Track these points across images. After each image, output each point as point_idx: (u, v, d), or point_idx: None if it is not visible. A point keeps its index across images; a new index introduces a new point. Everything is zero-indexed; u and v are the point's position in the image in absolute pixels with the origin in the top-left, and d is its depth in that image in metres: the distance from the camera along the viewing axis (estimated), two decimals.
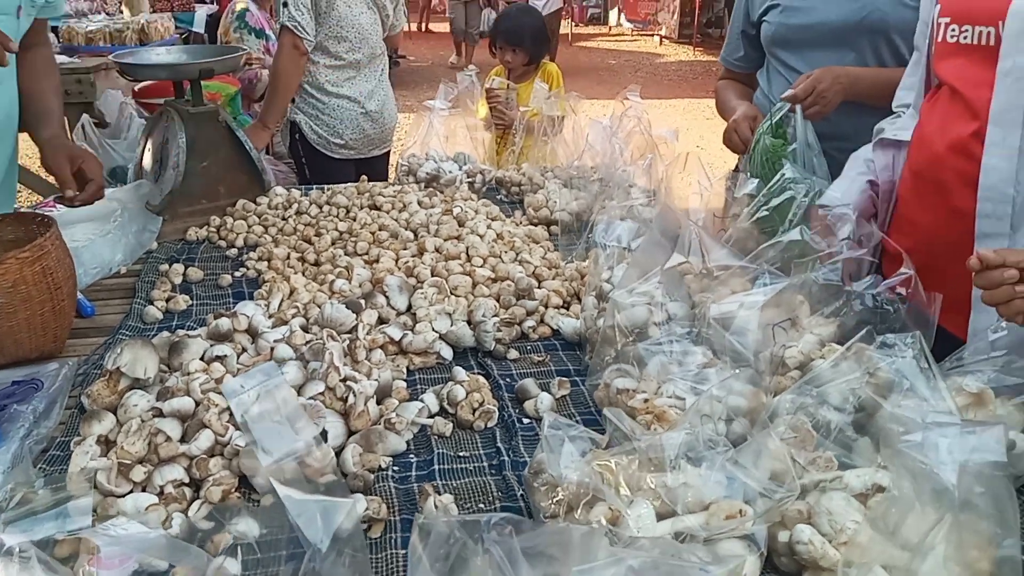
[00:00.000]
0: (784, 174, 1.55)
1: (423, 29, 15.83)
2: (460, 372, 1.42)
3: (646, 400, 1.21)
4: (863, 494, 0.97)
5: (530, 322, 1.62)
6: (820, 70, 1.90)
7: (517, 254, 1.85)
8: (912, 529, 0.73)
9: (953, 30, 1.41)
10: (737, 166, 2.30)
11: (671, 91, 11.09)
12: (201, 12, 7.62)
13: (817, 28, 1.98)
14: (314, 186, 2.58)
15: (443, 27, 14.34)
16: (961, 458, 0.69)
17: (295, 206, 2.21)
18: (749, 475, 0.87)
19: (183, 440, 1.19)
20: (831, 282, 1.27)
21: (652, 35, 15.77)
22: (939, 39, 1.46)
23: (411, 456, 1.25)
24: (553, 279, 1.78)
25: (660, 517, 0.93)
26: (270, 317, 1.55)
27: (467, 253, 1.80)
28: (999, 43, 1.30)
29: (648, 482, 0.91)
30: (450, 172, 2.37)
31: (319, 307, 1.52)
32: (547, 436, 0.95)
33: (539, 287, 1.74)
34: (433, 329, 1.51)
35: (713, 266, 1.31)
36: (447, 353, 1.50)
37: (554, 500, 0.95)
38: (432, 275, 1.70)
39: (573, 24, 16.53)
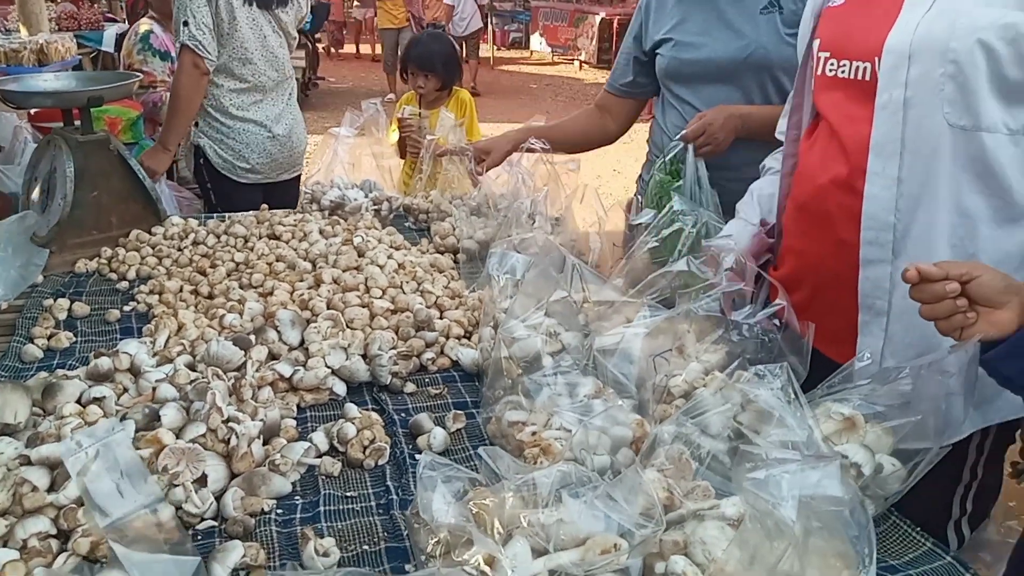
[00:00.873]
0: (672, 206, 1.59)
1: (358, 53, 15.55)
2: (352, 409, 1.39)
3: (534, 433, 1.22)
4: (738, 522, 1.00)
5: (429, 354, 1.62)
6: (712, 110, 1.97)
7: (419, 284, 1.85)
8: (762, 562, 0.75)
9: (832, 64, 1.47)
10: (637, 194, 2.36)
11: None
12: (111, 31, 7.39)
13: (705, 64, 2.05)
14: (215, 215, 2.52)
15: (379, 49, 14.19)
16: (800, 493, 0.72)
17: (192, 236, 2.15)
18: (619, 509, 0.88)
19: (51, 489, 1.13)
20: (711, 313, 1.30)
21: (572, 60, 16.08)
22: (818, 72, 1.52)
23: (296, 498, 1.22)
24: (456, 309, 1.78)
25: (537, 555, 0.94)
26: (155, 355, 1.50)
27: (366, 284, 1.78)
28: (875, 78, 1.36)
29: (523, 520, 0.91)
30: (355, 200, 2.35)
31: (207, 343, 1.47)
32: (422, 477, 0.94)
33: (440, 317, 1.74)
34: (326, 364, 1.48)
35: (593, 300, 1.33)
36: (340, 389, 1.48)
37: (432, 542, 0.94)
38: (328, 307, 1.67)
39: (495, 48, 16.72)
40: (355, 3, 15.48)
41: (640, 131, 2.79)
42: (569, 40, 16.20)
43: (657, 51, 2.17)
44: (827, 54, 1.48)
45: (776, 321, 1.29)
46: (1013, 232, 1.30)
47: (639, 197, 2.31)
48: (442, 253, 2.16)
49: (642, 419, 1.24)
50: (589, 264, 1.88)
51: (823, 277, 1.50)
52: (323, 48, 14.88)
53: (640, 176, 2.40)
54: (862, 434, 1.18)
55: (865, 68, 1.38)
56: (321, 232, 2.12)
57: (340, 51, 15.20)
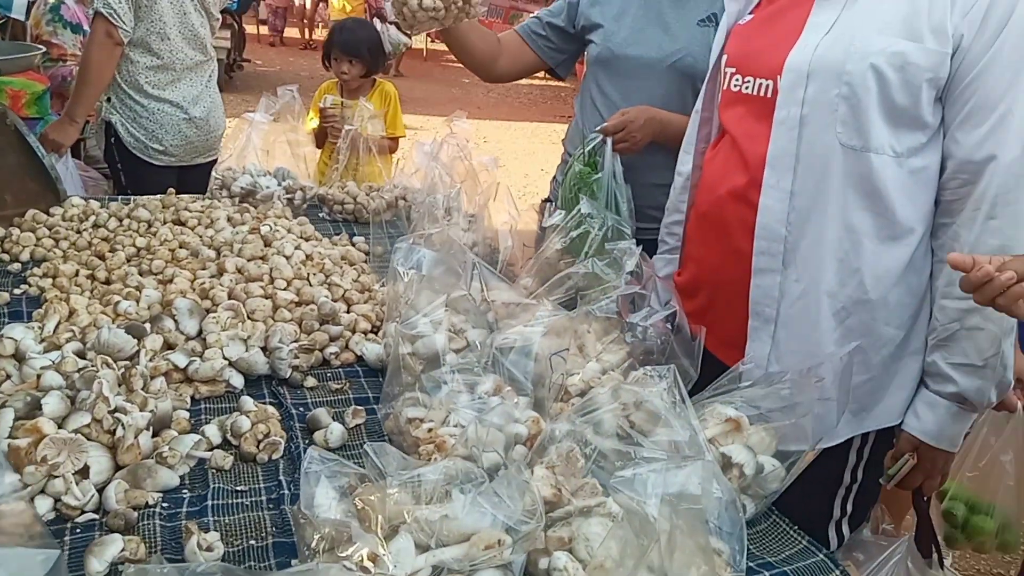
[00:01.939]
0: (580, 209, 1.62)
1: (308, 39, 14.81)
2: (248, 402, 1.37)
3: (430, 430, 1.23)
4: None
5: (333, 348, 1.60)
6: (635, 109, 2.00)
7: (327, 276, 1.83)
8: (632, 558, 0.77)
9: (737, 80, 1.52)
10: (548, 197, 2.39)
11: (522, 113, 11.36)
12: None
13: (633, 60, 2.08)
14: (119, 197, 2.43)
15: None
16: (663, 492, 0.74)
17: (92, 218, 2.07)
18: (504, 506, 0.90)
19: None
20: (609, 314, 1.33)
21: None
22: (725, 87, 1.57)
23: (184, 491, 1.19)
24: (364, 303, 1.77)
25: (422, 551, 0.94)
26: (43, 341, 1.44)
27: (270, 275, 1.75)
28: (776, 95, 1.41)
29: (407, 516, 0.92)
30: (267, 188, 2.31)
31: (99, 331, 1.42)
32: (306, 471, 0.93)
33: (348, 311, 1.73)
34: (224, 356, 1.45)
35: (491, 299, 1.34)
36: (237, 381, 1.45)
37: (316, 537, 0.93)
38: (230, 297, 1.63)
39: (429, 40, 16.57)
40: None
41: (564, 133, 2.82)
42: (502, 34, 16.16)
43: (589, 36, 2.18)
44: (733, 70, 1.53)
45: (669, 324, 1.33)
46: (893, 249, 1.38)
47: (551, 201, 2.34)
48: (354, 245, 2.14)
49: (538, 416, 1.27)
50: (500, 262, 1.90)
51: (719, 284, 1.56)
52: (266, 32, 14.42)
53: (555, 177, 2.42)
54: (746, 436, 1.23)
55: (768, 85, 1.43)
56: (229, 220, 2.07)
57: (281, 36, 14.67)
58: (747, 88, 1.49)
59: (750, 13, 1.56)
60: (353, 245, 2.17)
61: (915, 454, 1.46)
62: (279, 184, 2.37)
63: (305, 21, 14.74)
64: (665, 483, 0.77)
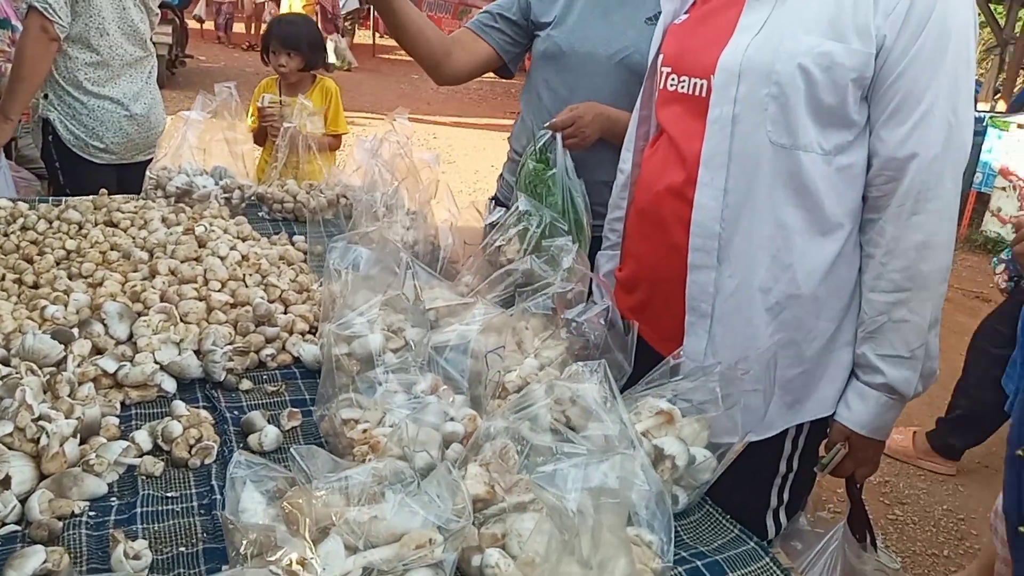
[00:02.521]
0: (518, 207, 1.62)
1: (255, 36, 14.39)
2: (179, 406, 1.35)
3: (365, 431, 1.22)
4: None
5: (270, 350, 1.58)
6: (583, 105, 2.00)
7: (263, 277, 1.80)
8: (557, 552, 0.78)
9: (673, 79, 1.53)
10: (495, 195, 2.39)
11: (471, 109, 11.34)
12: None
13: (581, 55, 2.08)
14: (51, 198, 2.36)
15: None
16: (583, 486, 0.75)
17: (20, 220, 2.01)
18: (434, 505, 0.90)
19: None
20: (546, 311, 1.34)
21: None
22: (662, 87, 1.58)
23: (112, 499, 1.17)
24: (303, 304, 1.75)
25: (351, 553, 0.94)
26: None
27: (204, 276, 1.72)
28: (710, 94, 1.43)
29: (336, 518, 0.91)
30: (204, 187, 2.26)
31: (23, 336, 1.38)
32: (232, 476, 0.92)
33: (285, 312, 1.71)
34: (155, 360, 1.42)
35: (424, 297, 1.34)
36: (169, 386, 1.42)
37: (244, 543, 0.92)
38: (162, 300, 1.60)
39: (377, 35, 16.43)
40: None
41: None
42: (453, 32, 16.10)
43: (537, 31, 2.18)
44: (668, 69, 1.55)
45: (603, 320, 1.35)
46: (823, 244, 1.41)
47: (496, 199, 2.34)
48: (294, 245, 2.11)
49: (475, 414, 1.27)
50: (441, 260, 1.90)
51: (658, 279, 1.58)
52: (211, 28, 14.09)
53: (501, 176, 2.42)
54: (679, 428, 1.25)
55: (702, 84, 1.46)
56: (164, 220, 2.03)
57: (228, 32, 14.36)
58: (682, 87, 1.51)
59: (685, 13, 1.58)
60: (293, 244, 2.14)
61: (847, 443, 1.50)
62: (216, 183, 2.33)
63: (251, 18, 14.50)
64: (586, 477, 0.78)
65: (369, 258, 1.44)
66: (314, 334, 1.67)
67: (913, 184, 1.33)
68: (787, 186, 1.39)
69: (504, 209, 1.80)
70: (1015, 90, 9.56)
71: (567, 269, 1.48)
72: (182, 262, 1.76)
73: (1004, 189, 7.24)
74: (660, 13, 2.06)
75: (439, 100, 11.62)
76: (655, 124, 1.67)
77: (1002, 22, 9.27)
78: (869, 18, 1.29)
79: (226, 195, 2.31)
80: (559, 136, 1.96)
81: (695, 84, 1.47)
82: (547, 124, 1.99)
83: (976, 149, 7.16)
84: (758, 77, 1.36)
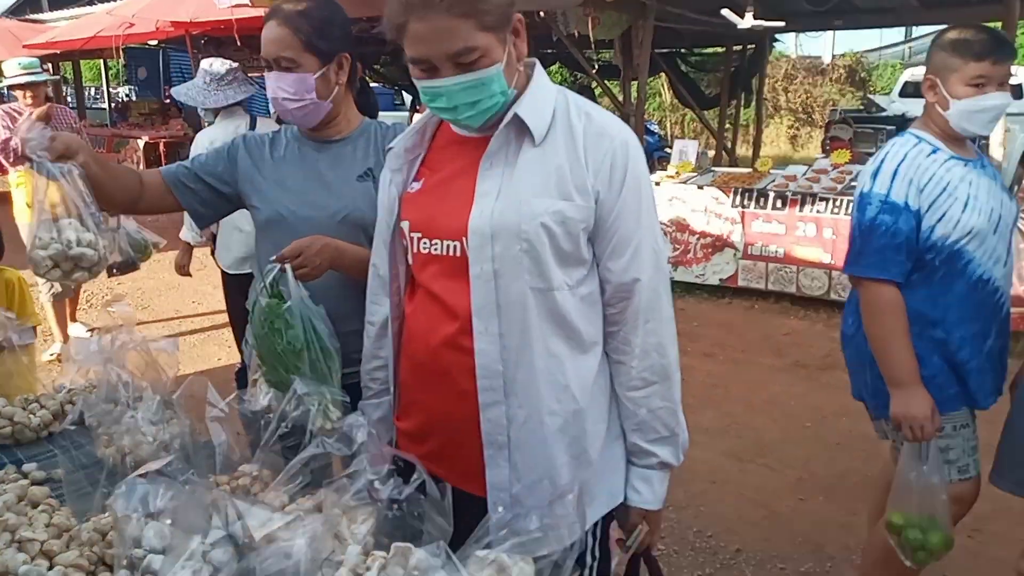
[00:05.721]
0: (295, 390, 1.62)
1: None
2: None
3: None
4: None
5: None
6: (307, 237, 2.01)
7: (13, 534, 1.57)
8: None
9: (425, 243, 1.68)
10: (242, 364, 2.30)
11: None
12: None
13: (304, 220, 2.12)
14: None
15: None
16: None
17: None
18: None
19: None
20: (360, 496, 1.36)
21: None
22: (415, 250, 1.71)
23: None
24: (69, 550, 1.55)
25: None
26: None
27: None
28: (465, 254, 1.60)
29: None
30: None
31: None
32: None
33: (51, 568, 1.50)
34: None
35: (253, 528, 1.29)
36: None
37: None
38: None
39: None
40: None
41: None
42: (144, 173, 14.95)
43: (252, 202, 2.20)
44: (419, 234, 1.70)
45: (421, 493, 1.41)
46: (586, 360, 1.67)
47: (245, 366, 2.25)
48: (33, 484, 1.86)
49: None
50: (220, 456, 1.79)
51: (450, 425, 1.71)
52: None
53: (244, 340, 2.31)
54: (511, 573, 1.34)
55: (455, 246, 1.63)
56: None
57: None
58: (436, 249, 1.66)
59: (416, 181, 1.73)
60: (26, 476, 1.88)
61: (644, 522, 1.75)
62: None
63: None
64: None
65: (163, 493, 1.34)
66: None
67: (641, 300, 1.64)
68: (550, 320, 1.62)
69: (275, 391, 1.78)
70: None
71: (362, 444, 1.51)
72: None
73: None
74: (369, 169, 2.21)
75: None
76: (405, 280, 1.79)
77: (621, 97, 10.62)
78: (585, 178, 1.58)
79: None
80: (289, 268, 1.94)
81: (448, 246, 1.64)
82: (273, 258, 1.96)
83: None
84: (510, 236, 1.57)
